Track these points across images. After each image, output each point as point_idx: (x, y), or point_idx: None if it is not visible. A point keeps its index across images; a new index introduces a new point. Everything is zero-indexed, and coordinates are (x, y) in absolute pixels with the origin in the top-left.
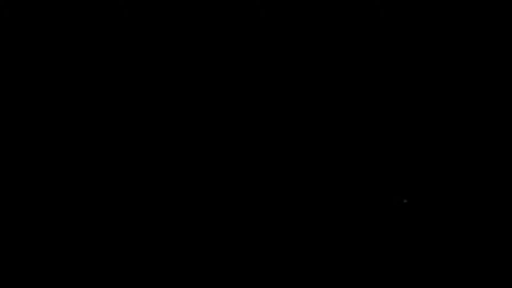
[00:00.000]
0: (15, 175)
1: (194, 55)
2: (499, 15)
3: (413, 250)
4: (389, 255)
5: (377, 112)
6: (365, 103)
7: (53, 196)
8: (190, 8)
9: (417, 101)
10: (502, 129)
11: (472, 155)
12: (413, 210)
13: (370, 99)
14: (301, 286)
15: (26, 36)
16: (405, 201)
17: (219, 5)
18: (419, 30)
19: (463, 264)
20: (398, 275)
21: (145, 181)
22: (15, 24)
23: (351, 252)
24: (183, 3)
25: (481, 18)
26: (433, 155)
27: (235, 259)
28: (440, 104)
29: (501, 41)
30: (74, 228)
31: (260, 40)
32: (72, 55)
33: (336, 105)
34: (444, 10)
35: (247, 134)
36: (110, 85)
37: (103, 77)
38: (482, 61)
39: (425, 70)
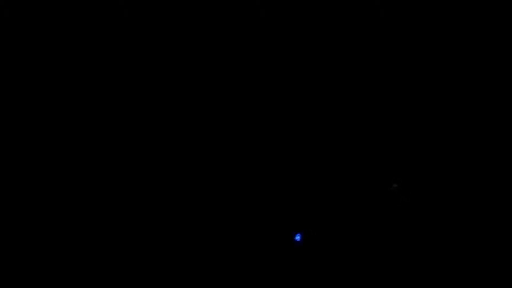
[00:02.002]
0: (14, 174)
1: (194, 54)
2: (498, 15)
3: (412, 240)
4: (388, 245)
5: (377, 109)
6: (365, 101)
7: (52, 195)
8: (190, 8)
9: (416, 98)
10: (500, 124)
11: (470, 152)
12: (413, 205)
13: (370, 98)
14: (302, 280)
15: (26, 36)
16: (395, 185)
17: (219, 5)
18: (419, 30)
19: (462, 257)
20: (396, 265)
21: (143, 179)
22: (15, 24)
23: (352, 247)
24: (183, 3)
25: (480, 18)
26: (431, 149)
27: (234, 250)
28: (439, 101)
29: (500, 41)
30: (73, 227)
31: (260, 40)
32: (72, 54)
33: (336, 102)
34: (443, 10)
35: (247, 131)
36: (110, 84)
37: (103, 76)
38: (481, 59)
39: (423, 68)
